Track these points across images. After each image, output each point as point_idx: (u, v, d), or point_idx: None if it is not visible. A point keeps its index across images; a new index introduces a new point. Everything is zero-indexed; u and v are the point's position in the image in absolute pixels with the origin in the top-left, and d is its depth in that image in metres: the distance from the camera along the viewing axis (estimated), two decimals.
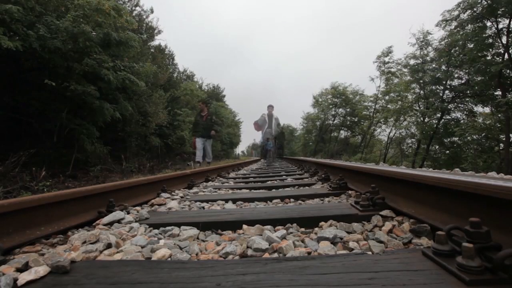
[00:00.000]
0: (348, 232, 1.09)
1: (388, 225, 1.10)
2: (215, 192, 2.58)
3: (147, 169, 7.29)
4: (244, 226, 1.22)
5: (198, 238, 1.17)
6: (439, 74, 13.00)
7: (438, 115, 13.32)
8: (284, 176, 3.79)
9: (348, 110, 22.54)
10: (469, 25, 11.19)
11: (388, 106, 16.60)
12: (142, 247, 1.02)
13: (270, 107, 7.58)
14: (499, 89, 10.84)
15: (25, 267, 0.82)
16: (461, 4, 11.06)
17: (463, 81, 12.71)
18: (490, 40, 10.84)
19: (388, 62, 17.24)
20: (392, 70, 17.11)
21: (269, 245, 0.97)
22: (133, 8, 13.37)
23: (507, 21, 10.15)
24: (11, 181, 4.17)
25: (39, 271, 0.77)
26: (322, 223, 1.22)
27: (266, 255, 0.93)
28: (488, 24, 10.71)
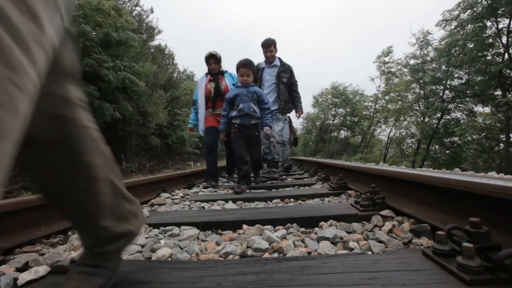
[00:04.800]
0: (348, 232, 1.09)
1: (388, 225, 1.09)
2: (215, 192, 2.58)
3: (147, 169, 7.30)
4: (244, 226, 1.22)
5: (198, 238, 1.17)
6: (439, 74, 13.01)
7: (438, 115, 13.33)
8: (284, 176, 3.79)
9: (348, 110, 22.55)
10: (469, 25, 11.20)
11: (388, 106, 16.61)
12: (142, 246, 1.02)
13: (269, 43, 2.94)
14: (499, 89, 10.85)
15: (25, 267, 0.82)
16: (461, 4, 11.07)
17: (463, 81, 12.72)
18: (490, 40, 10.86)
19: (388, 62, 17.26)
20: (392, 70, 17.13)
21: (269, 245, 0.96)
22: (133, 8, 13.39)
23: (507, 21, 10.17)
24: (11, 181, 4.17)
25: (39, 271, 0.77)
26: (322, 223, 1.22)
27: (266, 255, 0.93)
28: (488, 24, 10.72)
